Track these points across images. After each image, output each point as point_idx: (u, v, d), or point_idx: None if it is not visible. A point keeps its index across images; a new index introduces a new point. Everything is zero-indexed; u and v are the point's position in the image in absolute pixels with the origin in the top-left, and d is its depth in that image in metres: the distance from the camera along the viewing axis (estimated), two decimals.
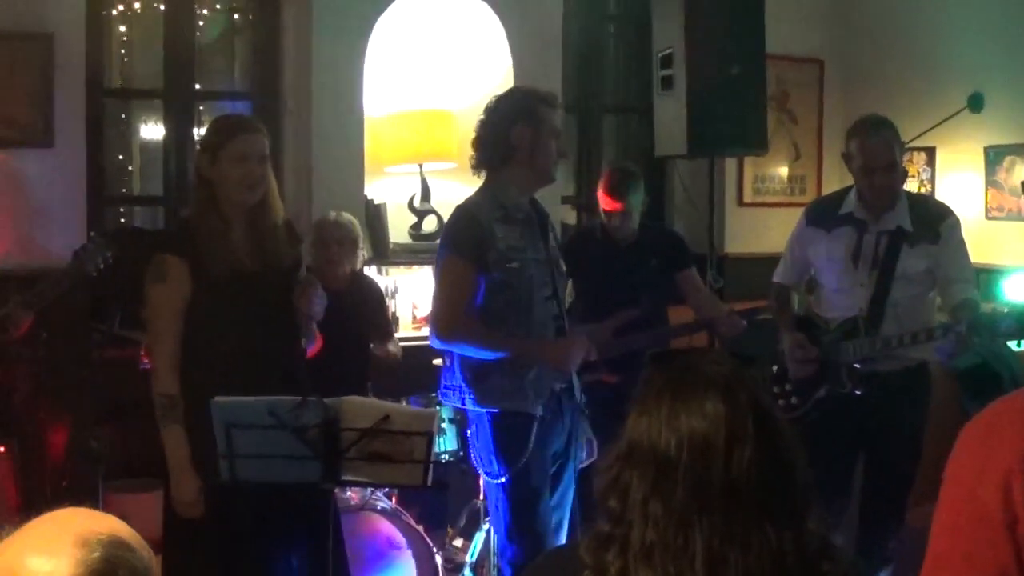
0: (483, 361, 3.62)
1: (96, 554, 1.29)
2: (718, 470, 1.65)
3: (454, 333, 3.61)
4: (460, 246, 3.64)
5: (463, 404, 3.70)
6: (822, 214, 4.25)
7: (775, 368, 4.30)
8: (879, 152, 3.96)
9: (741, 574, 1.62)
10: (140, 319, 3.50)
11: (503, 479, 3.62)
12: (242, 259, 3.34)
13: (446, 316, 3.63)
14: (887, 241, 4.03)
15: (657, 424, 1.69)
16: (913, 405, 4.09)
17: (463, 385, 3.67)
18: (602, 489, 1.74)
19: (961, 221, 4.13)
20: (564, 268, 3.89)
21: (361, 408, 3.10)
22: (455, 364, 3.70)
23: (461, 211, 3.74)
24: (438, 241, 5.75)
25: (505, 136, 3.69)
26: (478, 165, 3.78)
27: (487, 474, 3.70)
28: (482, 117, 3.78)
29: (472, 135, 3.79)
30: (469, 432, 3.77)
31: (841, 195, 4.24)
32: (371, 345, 4.98)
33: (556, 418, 3.69)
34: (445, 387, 3.78)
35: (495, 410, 3.62)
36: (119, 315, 4.78)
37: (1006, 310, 3.70)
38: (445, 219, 5.75)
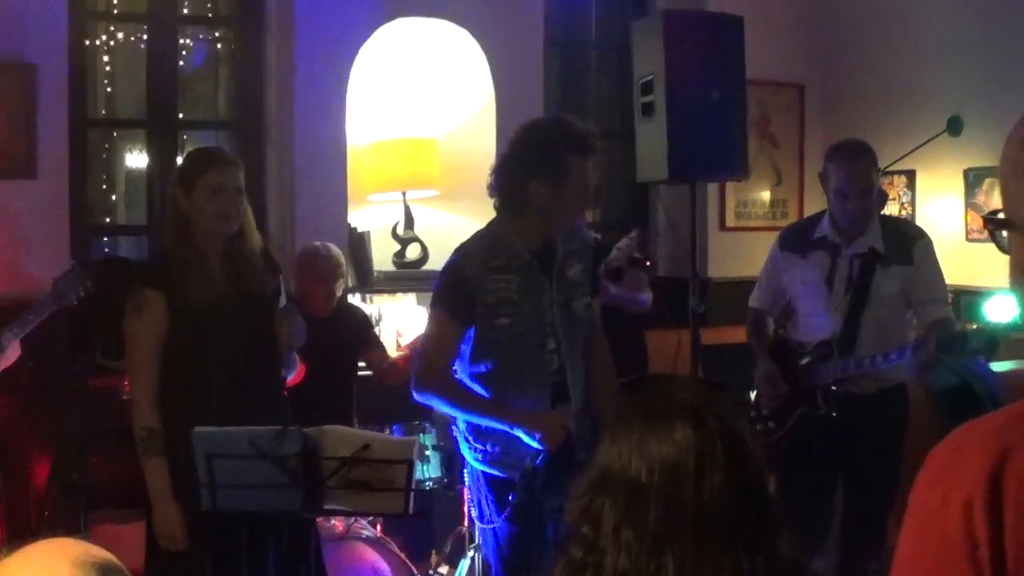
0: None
1: (92, 574, 1.31)
2: (689, 496, 1.66)
3: (427, 388, 3.42)
4: (443, 299, 3.42)
5: (461, 450, 3.53)
6: (795, 239, 4.28)
7: (752, 392, 4.32)
8: (855, 178, 3.98)
9: None
10: (121, 348, 3.50)
11: (493, 524, 3.41)
12: (220, 289, 3.35)
13: (421, 369, 3.43)
14: (860, 263, 4.05)
15: (628, 451, 1.70)
16: (891, 427, 4.10)
17: (463, 435, 3.49)
18: (575, 516, 1.76)
19: (941, 243, 4.16)
20: (584, 308, 3.52)
21: (341, 437, 3.11)
22: None
23: (451, 262, 3.47)
24: (422, 269, 5.84)
25: (522, 187, 3.36)
26: (491, 194, 3.48)
27: (479, 518, 3.50)
28: (511, 143, 3.44)
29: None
30: (466, 471, 3.56)
31: (814, 220, 4.27)
32: (368, 359, 4.95)
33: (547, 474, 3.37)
34: (455, 424, 3.58)
35: (483, 470, 3.44)
36: (100, 344, 4.78)
37: (975, 327, 3.71)
38: (429, 247, 5.87)
